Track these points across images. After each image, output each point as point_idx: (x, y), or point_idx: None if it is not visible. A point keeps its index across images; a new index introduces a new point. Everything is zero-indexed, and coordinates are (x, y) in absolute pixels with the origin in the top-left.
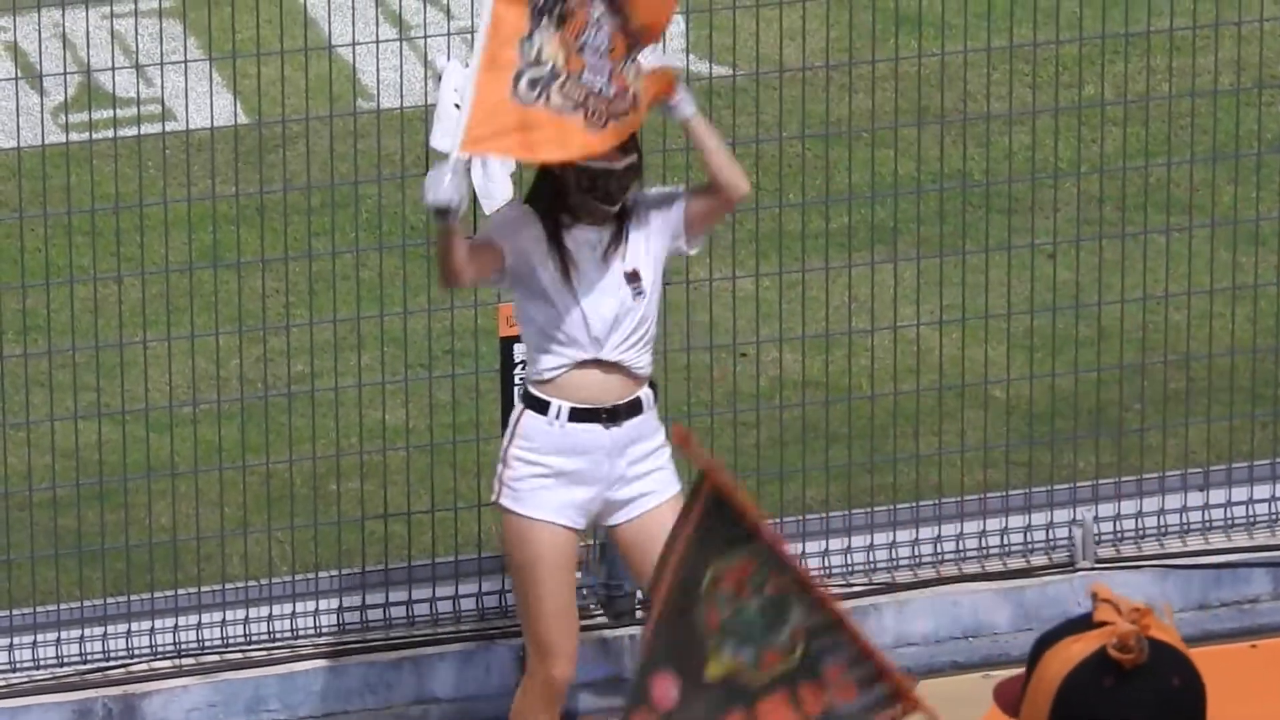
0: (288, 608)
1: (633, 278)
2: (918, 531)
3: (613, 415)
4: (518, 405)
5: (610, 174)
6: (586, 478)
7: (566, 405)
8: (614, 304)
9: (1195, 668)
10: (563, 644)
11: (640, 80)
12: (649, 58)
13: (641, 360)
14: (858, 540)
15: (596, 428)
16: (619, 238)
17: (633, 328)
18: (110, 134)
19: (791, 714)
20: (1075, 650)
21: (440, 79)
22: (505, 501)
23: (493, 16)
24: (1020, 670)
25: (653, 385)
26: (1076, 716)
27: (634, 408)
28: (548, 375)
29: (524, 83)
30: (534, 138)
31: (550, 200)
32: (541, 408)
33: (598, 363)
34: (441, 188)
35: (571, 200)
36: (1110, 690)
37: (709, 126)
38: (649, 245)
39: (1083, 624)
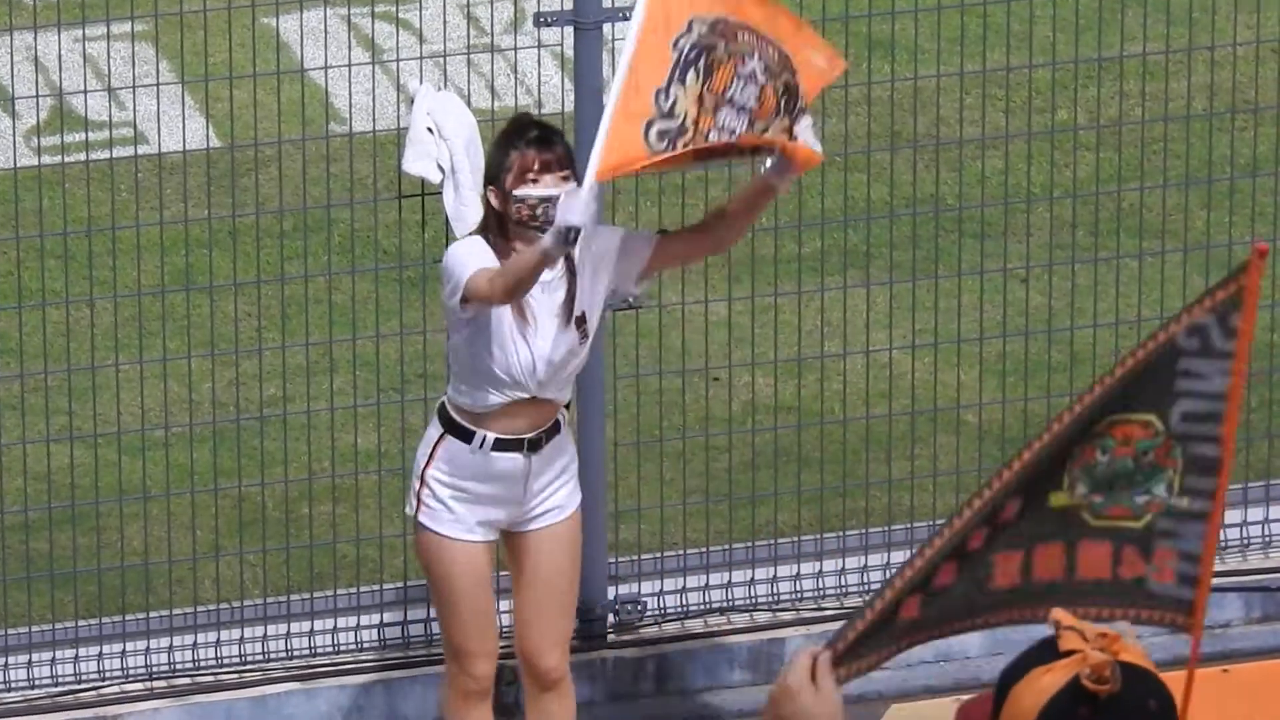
0: (259, 631)
1: (580, 322)
2: (889, 555)
3: (534, 444)
4: (436, 426)
5: (550, 201)
6: (501, 499)
7: (491, 435)
8: (563, 350)
9: (1167, 687)
10: (480, 645)
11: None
12: (805, 131)
13: (566, 391)
14: (829, 564)
15: (517, 456)
16: (571, 277)
17: (572, 370)
18: (83, 157)
19: (1106, 565)
20: (1047, 682)
21: (413, 103)
22: (422, 519)
23: (630, 65)
24: (987, 690)
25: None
26: None
27: (552, 430)
28: (479, 410)
29: (654, 133)
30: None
31: (497, 234)
32: (465, 436)
33: (531, 399)
34: (577, 210)
35: (511, 232)
36: None
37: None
38: (594, 287)
39: (1048, 652)
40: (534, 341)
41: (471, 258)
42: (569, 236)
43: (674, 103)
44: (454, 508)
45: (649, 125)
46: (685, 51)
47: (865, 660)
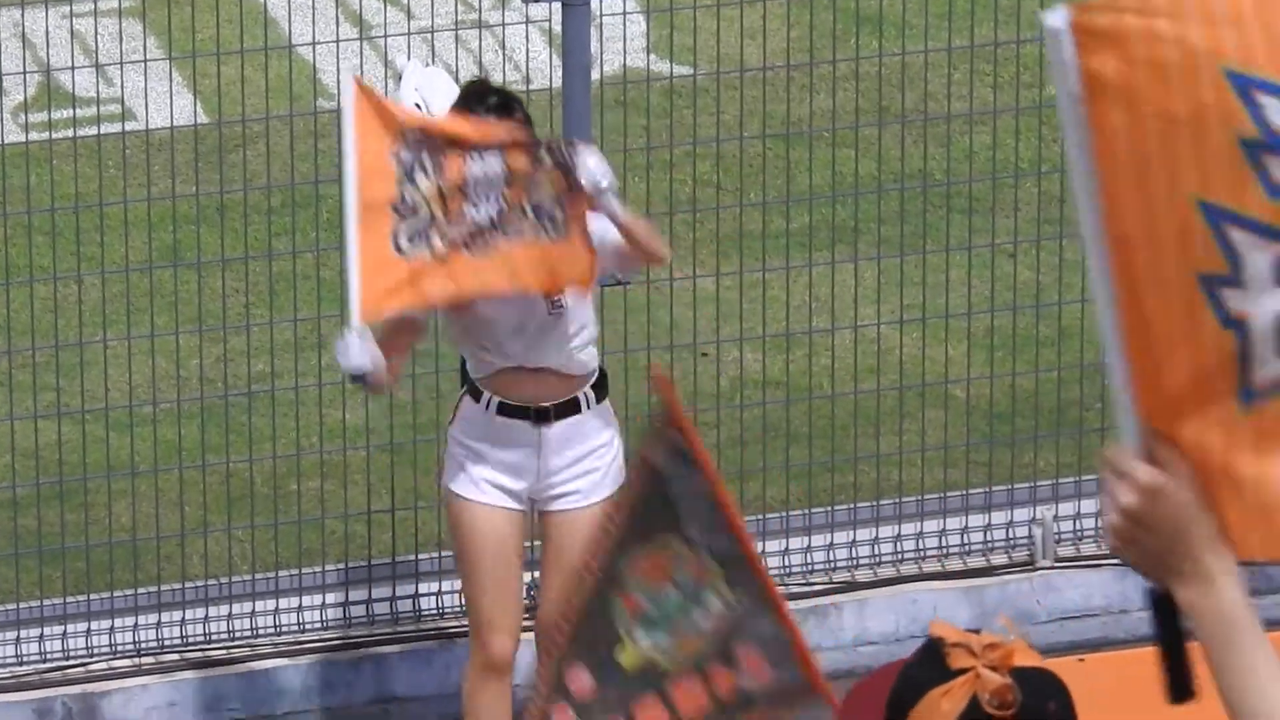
0: (247, 607)
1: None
2: (878, 530)
3: (541, 414)
4: (461, 387)
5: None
6: (516, 468)
7: (497, 399)
8: (528, 317)
9: (1061, 681)
10: (498, 619)
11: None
12: (589, 167)
13: (573, 363)
14: (818, 539)
15: (524, 424)
16: None
17: (556, 339)
18: (70, 133)
19: (704, 695)
20: (947, 707)
21: (400, 79)
22: (445, 479)
23: (357, 190)
24: (868, 679)
25: (601, 386)
26: None
27: (569, 408)
28: (480, 374)
29: (403, 239)
30: (424, 285)
31: None
32: (476, 394)
33: (523, 369)
34: (351, 356)
35: None
36: None
37: (629, 212)
38: None
39: (938, 668)
40: (501, 312)
41: None
42: (356, 380)
43: (414, 205)
44: (469, 469)
45: (395, 235)
46: (406, 159)
47: None
